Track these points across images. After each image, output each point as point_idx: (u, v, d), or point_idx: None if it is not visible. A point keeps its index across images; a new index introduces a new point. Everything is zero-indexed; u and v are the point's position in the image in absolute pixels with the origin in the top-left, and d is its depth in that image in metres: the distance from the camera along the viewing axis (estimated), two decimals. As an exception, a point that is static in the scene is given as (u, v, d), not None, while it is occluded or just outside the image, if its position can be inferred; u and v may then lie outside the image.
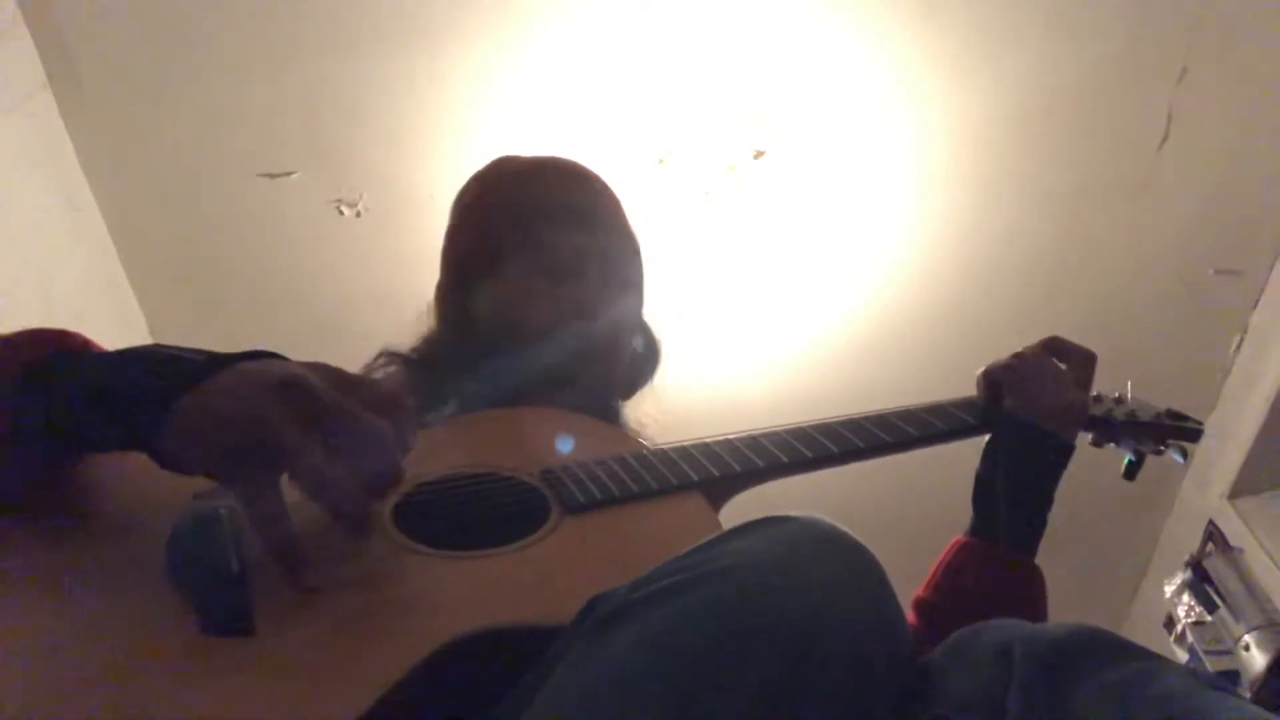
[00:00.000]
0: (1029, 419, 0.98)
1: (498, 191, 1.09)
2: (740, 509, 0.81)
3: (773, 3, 1.69)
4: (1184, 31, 1.71)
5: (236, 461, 0.63)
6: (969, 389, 1.04)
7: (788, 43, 1.73)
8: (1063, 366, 1.04)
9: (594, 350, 1.02)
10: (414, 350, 1.09)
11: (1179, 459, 1.06)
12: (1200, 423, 1.05)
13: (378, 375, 1.05)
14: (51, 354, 0.74)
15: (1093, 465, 1.11)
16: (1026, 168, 1.87)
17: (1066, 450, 0.99)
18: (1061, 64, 1.76)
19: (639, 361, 1.13)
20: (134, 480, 0.72)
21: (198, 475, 0.66)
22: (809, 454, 0.90)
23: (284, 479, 0.64)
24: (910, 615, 0.94)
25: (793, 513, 0.60)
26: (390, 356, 1.07)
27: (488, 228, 1.06)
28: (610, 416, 1.06)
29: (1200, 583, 1.99)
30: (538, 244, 1.02)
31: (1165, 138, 1.82)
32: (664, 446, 0.88)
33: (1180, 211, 1.91)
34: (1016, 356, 1.03)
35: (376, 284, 1.93)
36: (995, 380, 1.02)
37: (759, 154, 1.84)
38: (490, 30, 1.70)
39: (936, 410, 1.00)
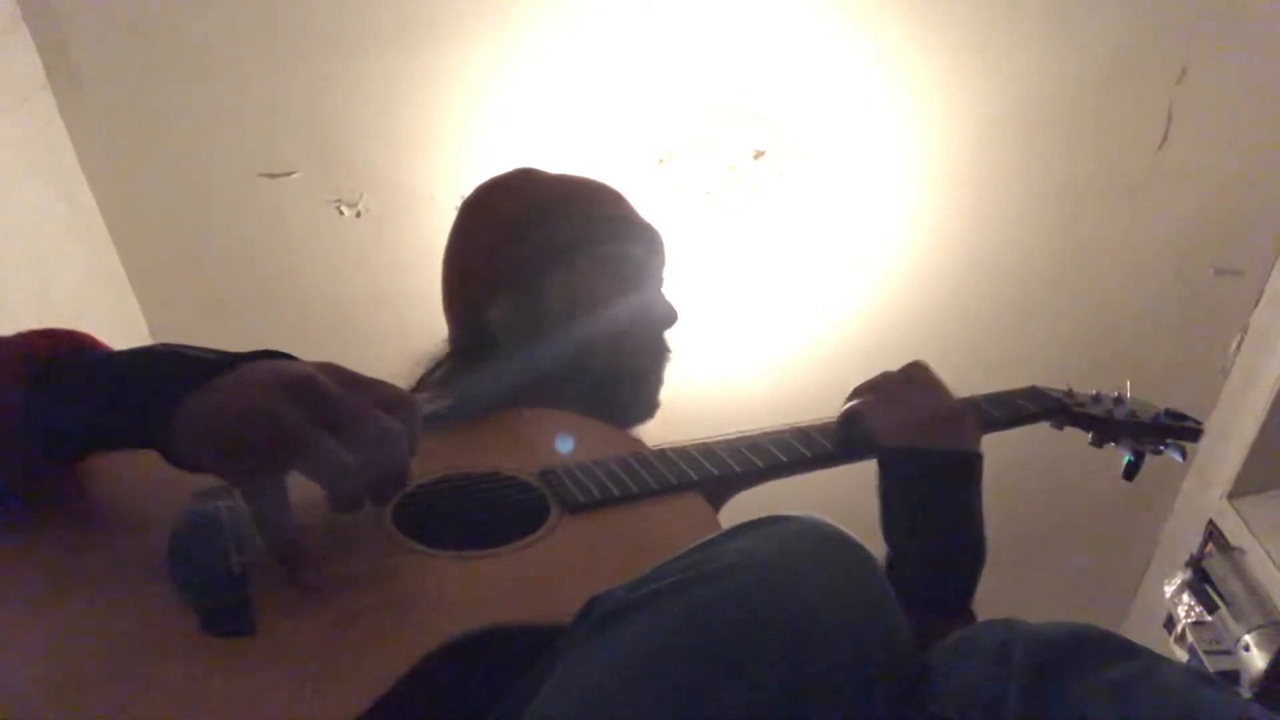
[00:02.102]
0: (910, 444, 0.91)
1: (578, 189, 1.12)
2: (740, 509, 0.81)
3: (773, 3, 1.69)
4: (1184, 31, 1.71)
5: (244, 458, 0.63)
6: (967, 388, 1.04)
7: (788, 43, 1.73)
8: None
9: (643, 352, 1.04)
10: (441, 356, 1.08)
11: (1178, 458, 1.06)
12: (1200, 422, 1.05)
13: (435, 378, 1.04)
14: (64, 352, 0.74)
15: (1093, 465, 1.11)
16: (1027, 168, 1.87)
17: (966, 460, 0.91)
18: (1061, 64, 1.75)
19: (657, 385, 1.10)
20: (135, 479, 0.72)
21: (206, 473, 0.66)
22: (808, 454, 0.90)
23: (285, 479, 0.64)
24: None
25: (792, 513, 0.60)
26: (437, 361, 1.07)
27: (567, 220, 1.07)
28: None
29: (1200, 583, 1.99)
30: (612, 249, 1.05)
31: (1165, 138, 1.82)
32: (663, 446, 0.88)
33: (1180, 211, 1.91)
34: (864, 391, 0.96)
35: (376, 284, 1.93)
36: (855, 415, 0.94)
37: (759, 154, 1.84)
38: (490, 30, 1.70)
39: None
